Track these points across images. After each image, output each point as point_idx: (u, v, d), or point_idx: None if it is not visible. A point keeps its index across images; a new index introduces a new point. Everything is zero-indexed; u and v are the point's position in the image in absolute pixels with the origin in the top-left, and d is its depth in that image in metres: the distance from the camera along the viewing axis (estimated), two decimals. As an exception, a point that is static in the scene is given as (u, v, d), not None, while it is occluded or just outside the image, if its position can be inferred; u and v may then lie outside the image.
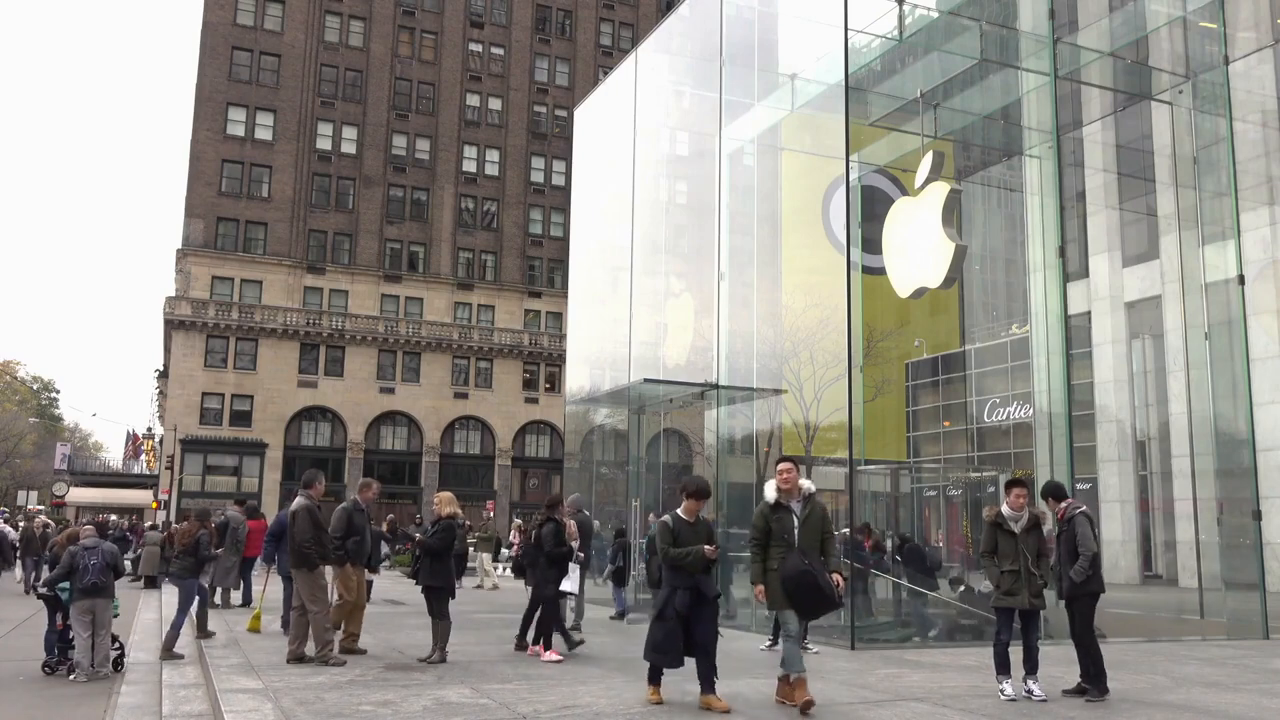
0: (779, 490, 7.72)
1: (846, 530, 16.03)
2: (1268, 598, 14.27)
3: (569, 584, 11.10)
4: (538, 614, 10.87)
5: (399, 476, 53.65)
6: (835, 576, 7.64)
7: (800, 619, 7.73)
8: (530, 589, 11.40)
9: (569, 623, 14.64)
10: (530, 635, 11.02)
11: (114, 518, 45.00)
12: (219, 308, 52.06)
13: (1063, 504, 8.98)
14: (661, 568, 7.79)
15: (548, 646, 10.54)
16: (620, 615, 16.05)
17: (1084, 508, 8.99)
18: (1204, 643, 13.42)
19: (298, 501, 10.31)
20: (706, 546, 7.63)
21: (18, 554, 23.26)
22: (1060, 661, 9.63)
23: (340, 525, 10.63)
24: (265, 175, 54.55)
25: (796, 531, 7.61)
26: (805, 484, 7.79)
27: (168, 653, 11.08)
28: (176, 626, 11.34)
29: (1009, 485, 8.94)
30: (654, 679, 7.88)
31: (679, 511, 7.88)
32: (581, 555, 12.19)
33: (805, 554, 7.51)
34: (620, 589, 16.57)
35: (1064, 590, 8.78)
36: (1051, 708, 8.09)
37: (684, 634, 7.56)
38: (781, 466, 7.80)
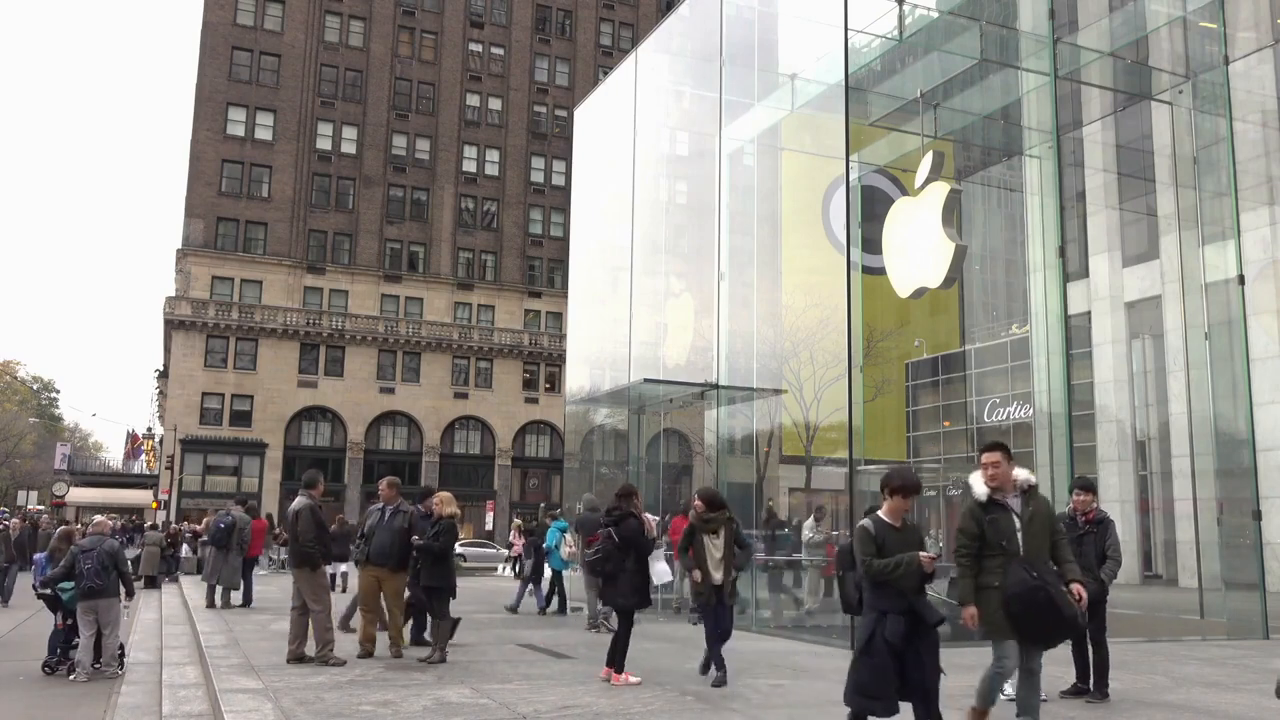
0: (988, 485, 6.16)
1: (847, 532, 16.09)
2: (1268, 598, 14.27)
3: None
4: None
5: (399, 476, 53.60)
6: (1075, 588, 6.09)
7: (1030, 648, 6.11)
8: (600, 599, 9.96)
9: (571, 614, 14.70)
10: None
11: (98, 518, 44.74)
12: (219, 308, 52.06)
13: (1095, 503, 8.92)
14: (861, 587, 6.09)
15: (620, 669, 8.84)
16: (541, 611, 16.40)
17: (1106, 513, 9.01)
18: (1204, 643, 13.42)
19: (300, 501, 10.29)
20: (922, 554, 5.86)
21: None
22: (1060, 661, 9.62)
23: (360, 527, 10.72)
24: (265, 175, 54.54)
25: (1020, 535, 6.07)
26: (1022, 474, 6.24)
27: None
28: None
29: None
30: None
31: (881, 513, 6.12)
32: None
33: (1032, 564, 6.00)
34: (536, 586, 16.89)
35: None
36: (1051, 708, 8.08)
37: (898, 670, 5.84)
38: (986, 457, 6.21)
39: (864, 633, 5.95)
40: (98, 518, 12.08)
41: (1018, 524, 6.07)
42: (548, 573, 17.23)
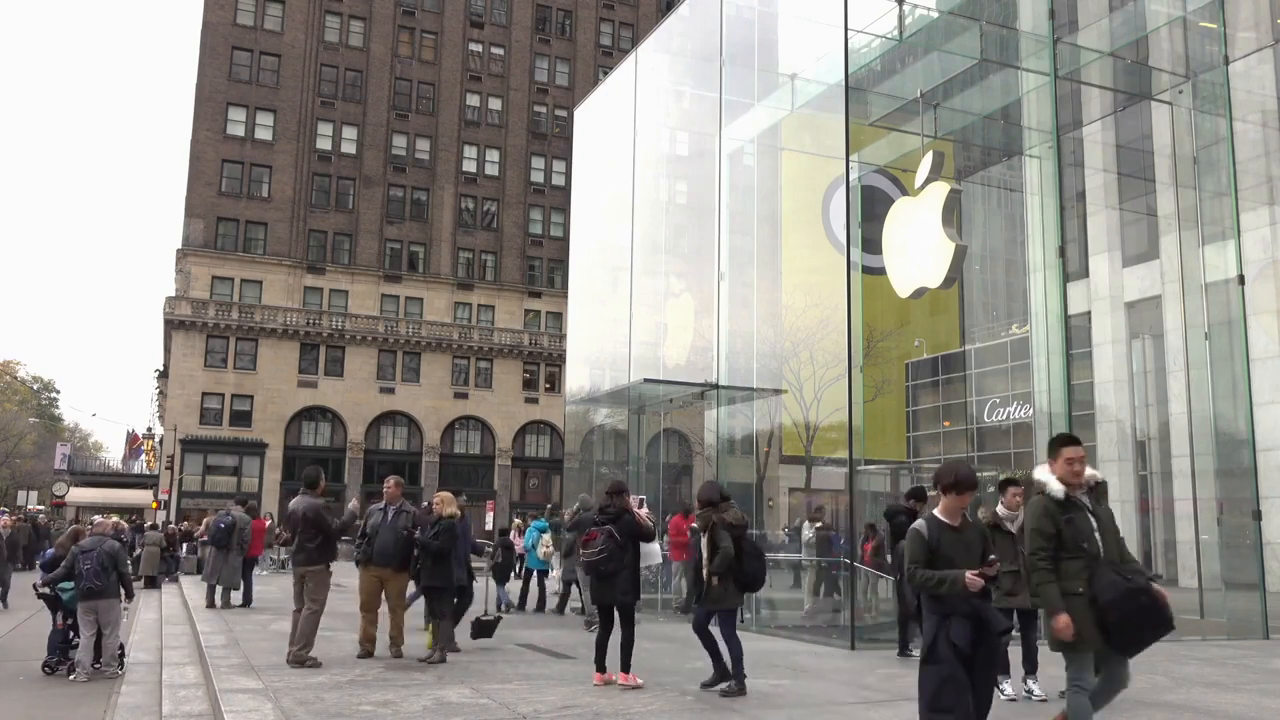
0: (1067, 482, 5.67)
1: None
2: (1268, 598, 14.27)
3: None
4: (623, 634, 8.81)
5: (399, 476, 53.60)
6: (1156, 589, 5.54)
7: (1121, 655, 5.60)
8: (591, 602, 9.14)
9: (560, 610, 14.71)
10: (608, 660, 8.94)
11: (97, 518, 44.67)
12: (219, 308, 52.05)
13: None
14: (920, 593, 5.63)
15: (627, 668, 8.71)
16: (508, 609, 16.40)
17: None
18: (1204, 643, 13.43)
19: (307, 500, 10.25)
20: (969, 574, 5.26)
21: None
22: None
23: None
24: (265, 175, 54.54)
25: (1098, 535, 5.61)
26: (1088, 470, 5.75)
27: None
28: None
29: (1003, 485, 8.97)
30: None
31: (936, 512, 5.60)
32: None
33: (1117, 566, 5.53)
34: (500, 586, 16.89)
35: None
36: (1051, 708, 8.07)
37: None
38: (1071, 452, 5.67)
39: (926, 639, 5.41)
40: (97, 518, 12.07)
41: (1094, 523, 5.61)
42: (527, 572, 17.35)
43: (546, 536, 17.31)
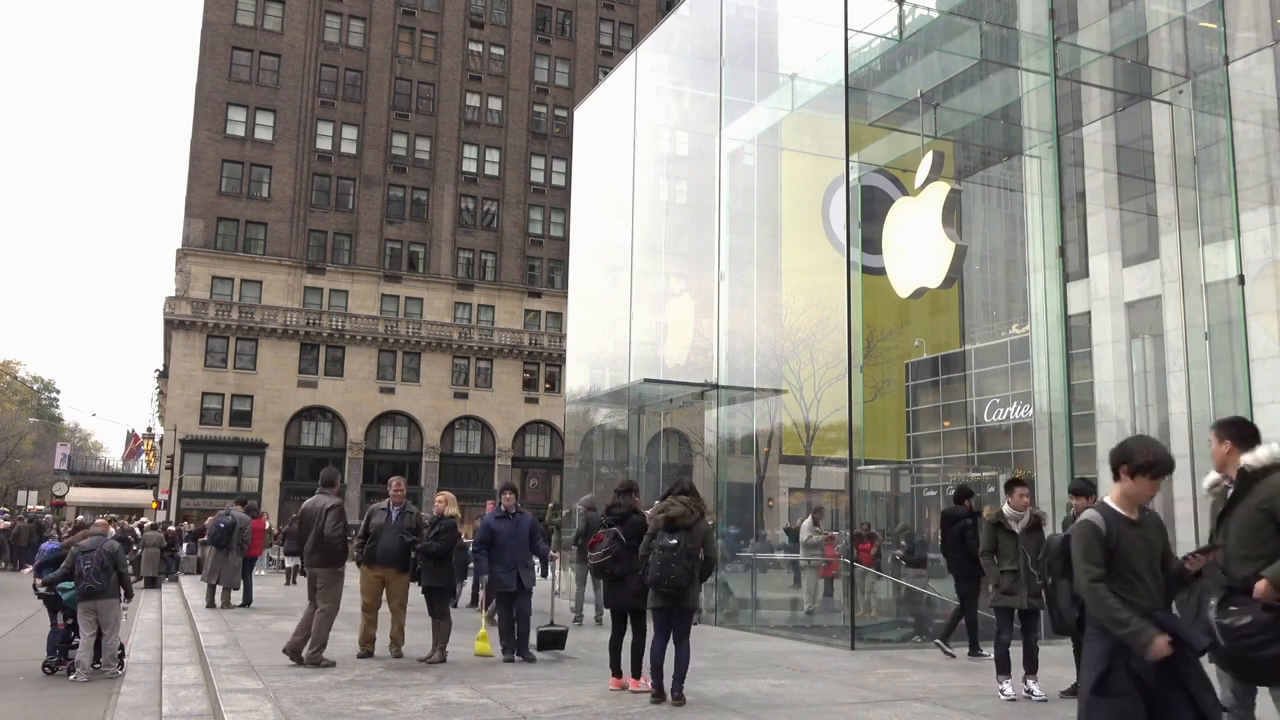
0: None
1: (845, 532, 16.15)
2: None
3: None
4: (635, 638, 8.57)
5: (398, 476, 53.57)
6: (1261, 585, 4.54)
7: (1230, 675, 4.85)
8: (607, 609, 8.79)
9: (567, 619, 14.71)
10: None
11: (99, 520, 44.52)
12: (219, 308, 52.03)
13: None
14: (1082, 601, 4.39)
15: (637, 673, 8.48)
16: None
17: None
18: (1204, 643, 13.39)
19: (328, 499, 10.23)
20: (1160, 640, 4.02)
21: None
22: (1060, 662, 9.62)
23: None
24: (265, 175, 54.51)
25: (1218, 534, 4.94)
26: (1261, 454, 4.79)
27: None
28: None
29: (1010, 485, 8.98)
30: None
31: (1110, 500, 4.39)
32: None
33: (1225, 571, 4.73)
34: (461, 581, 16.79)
35: None
36: (1051, 708, 8.08)
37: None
38: (1212, 434, 5.10)
39: (1097, 664, 4.22)
40: (81, 518, 12.04)
41: (1217, 523, 4.96)
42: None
43: None
